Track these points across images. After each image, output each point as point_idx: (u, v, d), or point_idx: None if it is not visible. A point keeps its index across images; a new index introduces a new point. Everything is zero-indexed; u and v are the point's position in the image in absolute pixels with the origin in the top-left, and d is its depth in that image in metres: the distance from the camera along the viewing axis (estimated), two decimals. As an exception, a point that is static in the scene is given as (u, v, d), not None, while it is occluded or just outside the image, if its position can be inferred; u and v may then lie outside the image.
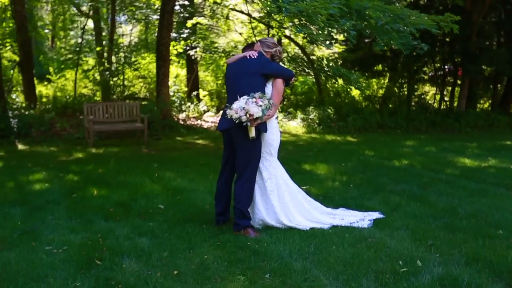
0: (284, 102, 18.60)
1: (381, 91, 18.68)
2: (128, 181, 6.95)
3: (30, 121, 11.57)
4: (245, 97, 4.52)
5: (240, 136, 4.67)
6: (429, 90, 19.44)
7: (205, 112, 15.39)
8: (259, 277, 3.78)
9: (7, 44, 18.67)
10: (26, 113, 12.96)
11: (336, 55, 18.01)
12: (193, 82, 17.93)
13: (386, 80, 18.54)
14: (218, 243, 4.51)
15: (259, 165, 4.90)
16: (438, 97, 17.79)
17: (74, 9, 18.95)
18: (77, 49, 17.93)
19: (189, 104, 15.84)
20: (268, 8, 6.56)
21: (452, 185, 6.93)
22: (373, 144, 11.25)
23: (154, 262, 4.07)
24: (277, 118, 5.11)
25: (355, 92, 19.06)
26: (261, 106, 4.43)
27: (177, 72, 20.60)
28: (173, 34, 16.13)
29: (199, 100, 17.20)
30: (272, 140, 4.89)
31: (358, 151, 9.99)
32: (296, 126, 14.08)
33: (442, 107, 17.20)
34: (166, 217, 5.28)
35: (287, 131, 13.76)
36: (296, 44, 19.09)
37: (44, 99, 17.18)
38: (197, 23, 14.97)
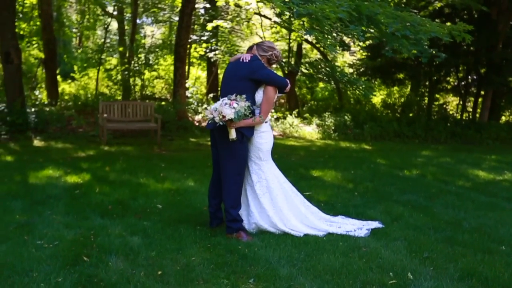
0: (304, 108, 18.52)
1: (403, 99, 18.39)
2: (132, 180, 6.98)
3: (47, 118, 11.77)
4: (225, 99, 4.51)
5: (222, 138, 4.65)
6: (452, 100, 19.06)
7: (221, 114, 15.35)
8: (243, 281, 3.72)
9: (34, 42, 19.16)
10: (47, 109, 13.21)
11: (359, 62, 17.81)
12: (212, 84, 17.99)
13: (408, 89, 18.27)
14: (209, 245, 4.47)
15: (249, 168, 4.85)
16: (461, 107, 17.41)
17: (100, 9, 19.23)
18: (101, 48, 18.23)
19: (205, 105, 15.87)
20: (278, 9, 6.51)
21: (461, 197, 6.72)
22: (387, 152, 11.05)
23: (140, 261, 4.05)
24: (269, 122, 5.02)
25: (375, 100, 18.88)
26: (234, 108, 4.41)
27: (197, 74, 20.74)
28: (194, 37, 16.24)
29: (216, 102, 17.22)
30: (260, 144, 4.81)
31: (370, 159, 9.82)
32: (311, 131, 13.95)
33: (464, 117, 16.82)
34: (162, 217, 5.27)
35: (302, 136, 13.65)
36: (317, 49, 18.98)
37: (66, 97, 17.51)
38: (217, 26, 14.99)
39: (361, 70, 17.44)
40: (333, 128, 13.98)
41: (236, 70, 4.69)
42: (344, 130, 13.90)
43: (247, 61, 4.68)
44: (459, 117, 17.00)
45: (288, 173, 7.90)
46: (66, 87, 19.02)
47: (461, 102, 17.45)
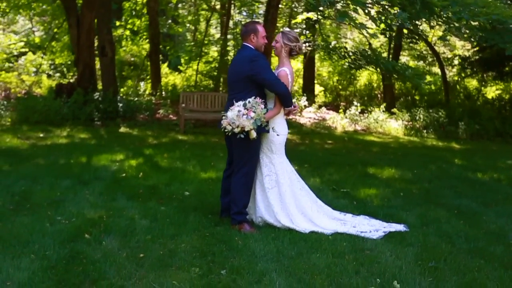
0: (401, 102, 17.51)
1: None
2: (179, 167, 7.23)
3: (137, 106, 12.63)
4: (240, 103, 4.45)
5: (236, 136, 4.59)
6: None
7: (306, 107, 15.17)
8: (214, 272, 3.68)
9: (144, 36, 20.68)
10: (149, 98, 14.15)
11: (462, 54, 16.36)
12: (306, 78, 17.92)
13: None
14: (207, 234, 4.49)
15: (260, 160, 4.75)
16: None
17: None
18: (201, 42, 19.08)
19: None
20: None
21: (528, 206, 5.88)
22: (474, 153, 10.03)
23: (132, 243, 4.20)
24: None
25: (490, 96, 17.20)
26: (252, 118, 4.35)
27: (296, 66, 20.71)
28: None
29: (312, 95, 17.12)
30: (272, 136, 4.69)
31: (446, 159, 9.00)
32: (397, 127, 13.13)
33: None
34: (181, 204, 5.40)
35: (386, 132, 12.94)
36: (424, 40, 17.79)
37: (170, 87, 18.64)
38: (308, 18, 14.78)
39: (466, 63, 16.00)
40: (423, 124, 13.03)
41: (238, 69, 4.66)
42: (436, 127, 12.88)
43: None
44: None
45: (343, 168, 7.64)
46: (172, 79, 20.25)
47: None
